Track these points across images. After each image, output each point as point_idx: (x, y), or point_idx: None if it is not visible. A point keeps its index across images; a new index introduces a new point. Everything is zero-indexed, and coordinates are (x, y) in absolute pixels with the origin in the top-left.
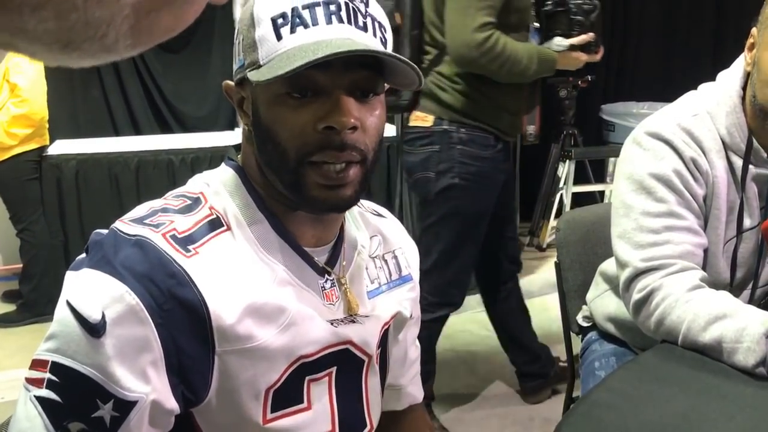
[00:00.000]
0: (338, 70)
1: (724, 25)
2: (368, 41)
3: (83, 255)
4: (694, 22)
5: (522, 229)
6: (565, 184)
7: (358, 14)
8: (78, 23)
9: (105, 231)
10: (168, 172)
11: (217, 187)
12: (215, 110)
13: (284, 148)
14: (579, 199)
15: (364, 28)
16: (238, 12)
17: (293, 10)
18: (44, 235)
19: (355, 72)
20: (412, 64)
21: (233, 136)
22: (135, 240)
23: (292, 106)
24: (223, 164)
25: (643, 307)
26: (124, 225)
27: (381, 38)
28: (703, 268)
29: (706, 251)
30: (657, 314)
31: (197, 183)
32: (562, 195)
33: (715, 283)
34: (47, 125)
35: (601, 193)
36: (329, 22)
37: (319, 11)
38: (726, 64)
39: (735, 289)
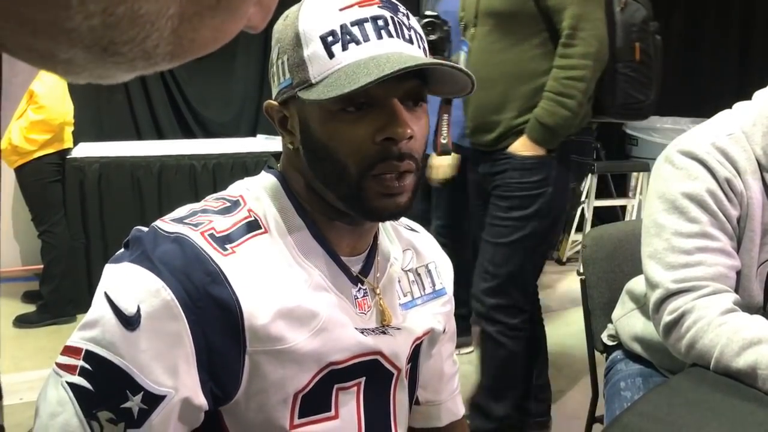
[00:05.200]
0: (392, 82)
1: (750, 39)
2: (415, 53)
3: (122, 250)
4: (719, 36)
5: None
6: (586, 197)
7: (404, 28)
8: (124, 19)
9: (145, 228)
10: (190, 177)
11: (258, 192)
12: (238, 116)
13: (344, 164)
14: (600, 214)
15: (410, 41)
16: None
17: (342, 27)
18: (65, 237)
19: (407, 82)
20: (467, 71)
21: (255, 143)
22: (174, 237)
23: (348, 121)
24: (263, 171)
25: (674, 330)
26: (164, 223)
27: (423, 49)
28: (736, 291)
29: (739, 274)
30: (688, 337)
31: (237, 187)
32: (583, 209)
33: (747, 307)
34: (71, 128)
35: (623, 207)
36: (380, 37)
37: (369, 27)
38: (752, 78)
39: None
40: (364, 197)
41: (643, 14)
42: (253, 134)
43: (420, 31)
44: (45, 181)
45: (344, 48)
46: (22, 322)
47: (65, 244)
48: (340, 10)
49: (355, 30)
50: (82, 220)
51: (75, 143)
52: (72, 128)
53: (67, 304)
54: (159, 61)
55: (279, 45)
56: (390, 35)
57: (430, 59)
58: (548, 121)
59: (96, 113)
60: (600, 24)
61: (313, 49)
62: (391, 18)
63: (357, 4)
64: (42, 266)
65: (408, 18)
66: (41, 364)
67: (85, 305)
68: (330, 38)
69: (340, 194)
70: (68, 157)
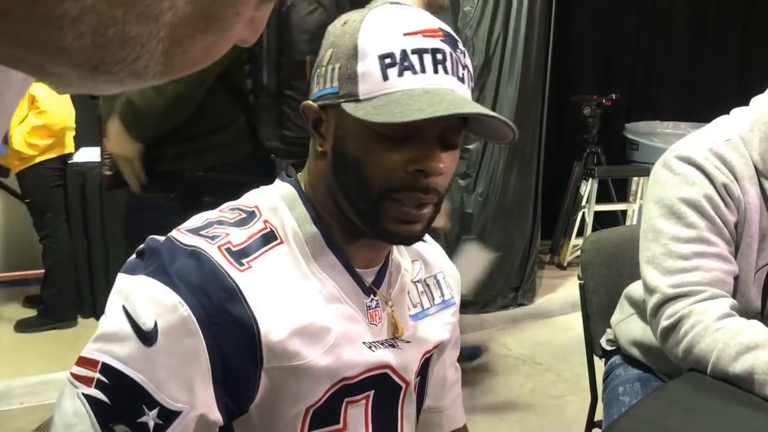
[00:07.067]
0: (436, 118)
1: (750, 45)
2: (465, 93)
3: (135, 258)
4: (719, 41)
5: (543, 247)
6: (587, 202)
7: (459, 65)
8: (114, 41)
9: (161, 238)
10: None
11: (275, 202)
12: None
13: (369, 182)
14: (601, 218)
15: (462, 80)
16: None
17: (402, 52)
18: (67, 242)
19: (449, 120)
20: (510, 123)
21: None
22: (191, 251)
23: (385, 145)
24: (278, 180)
25: (671, 334)
26: (181, 234)
27: (470, 89)
28: (734, 296)
29: (736, 279)
30: (685, 342)
31: (253, 197)
32: (584, 213)
33: (745, 312)
34: (72, 132)
35: (624, 212)
36: (436, 71)
37: (427, 59)
38: (752, 84)
39: (766, 318)
40: (379, 217)
41: (322, 17)
42: None
43: (470, 67)
44: (46, 186)
45: (400, 74)
46: (23, 326)
47: (66, 249)
48: (404, 34)
49: (414, 59)
50: (84, 224)
51: (76, 148)
52: (73, 133)
53: (68, 308)
54: (149, 80)
55: (333, 50)
56: (446, 71)
57: (484, 110)
58: None
59: (97, 118)
60: None
61: (368, 66)
62: (450, 54)
63: (421, 32)
64: (43, 271)
65: (464, 56)
66: (42, 368)
67: (86, 310)
68: (388, 60)
69: (357, 209)
70: (70, 161)
